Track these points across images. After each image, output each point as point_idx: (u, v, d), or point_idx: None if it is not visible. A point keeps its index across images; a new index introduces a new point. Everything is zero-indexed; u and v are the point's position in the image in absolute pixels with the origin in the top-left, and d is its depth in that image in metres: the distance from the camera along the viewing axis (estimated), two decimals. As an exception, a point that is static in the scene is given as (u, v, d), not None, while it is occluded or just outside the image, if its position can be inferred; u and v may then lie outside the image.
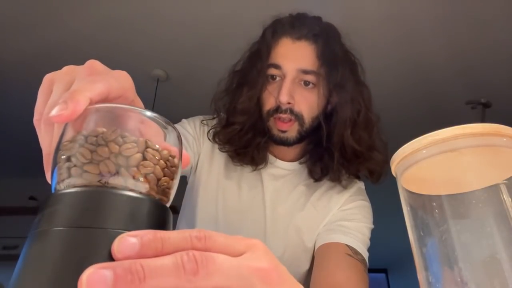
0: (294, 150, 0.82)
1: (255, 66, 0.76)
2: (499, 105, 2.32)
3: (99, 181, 0.22)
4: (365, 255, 0.74)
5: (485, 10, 2.05)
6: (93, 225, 0.20)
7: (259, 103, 0.77)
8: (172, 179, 0.25)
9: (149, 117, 0.25)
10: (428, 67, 2.48)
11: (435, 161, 0.36)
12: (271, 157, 0.84)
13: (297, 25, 0.75)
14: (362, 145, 0.75)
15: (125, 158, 0.22)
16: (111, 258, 0.19)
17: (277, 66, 0.73)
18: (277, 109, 0.73)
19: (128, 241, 0.19)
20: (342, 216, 0.77)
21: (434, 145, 0.35)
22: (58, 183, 0.24)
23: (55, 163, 0.24)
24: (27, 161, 3.61)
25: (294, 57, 0.72)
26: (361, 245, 0.73)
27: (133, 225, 0.21)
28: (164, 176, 0.24)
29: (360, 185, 0.85)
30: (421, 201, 0.39)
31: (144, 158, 0.23)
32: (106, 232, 0.20)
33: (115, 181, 0.22)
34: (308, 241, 0.77)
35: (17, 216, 3.49)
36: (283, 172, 0.83)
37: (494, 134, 0.35)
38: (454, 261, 0.35)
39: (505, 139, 0.35)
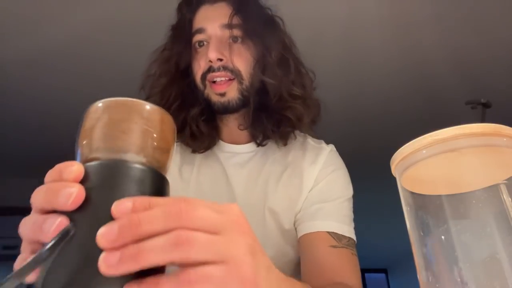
0: (245, 131, 0.79)
1: (178, 38, 0.77)
2: (499, 105, 2.33)
3: (116, 156, 0.28)
4: (350, 231, 0.70)
5: (486, 10, 2.05)
6: (112, 188, 0.27)
7: (188, 73, 0.76)
8: (168, 155, 0.32)
9: (150, 107, 0.31)
10: (428, 67, 2.48)
11: (435, 161, 0.36)
12: (228, 145, 0.80)
13: None
14: (283, 88, 0.73)
15: (136, 140, 0.29)
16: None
17: (201, 30, 0.73)
18: (210, 70, 0.71)
19: (124, 204, 0.25)
20: (320, 197, 0.72)
21: (434, 145, 0.35)
22: (81, 161, 0.29)
23: (77, 147, 0.30)
24: (27, 161, 3.61)
25: (215, 16, 0.73)
26: (344, 225, 0.70)
27: (141, 188, 0.28)
28: (164, 153, 0.31)
29: (328, 149, 0.79)
30: (421, 201, 0.39)
31: (151, 140, 0.30)
32: (120, 193, 0.26)
33: (128, 157, 0.28)
34: (286, 223, 0.72)
35: (17, 216, 3.49)
36: (246, 157, 0.78)
37: (494, 134, 0.35)
38: (454, 261, 0.35)
39: (505, 139, 0.35)
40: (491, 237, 0.34)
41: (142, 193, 0.28)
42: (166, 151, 0.32)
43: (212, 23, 0.72)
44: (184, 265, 0.25)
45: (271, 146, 0.80)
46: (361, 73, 2.53)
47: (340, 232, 0.68)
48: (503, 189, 0.35)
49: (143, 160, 0.29)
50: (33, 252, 0.27)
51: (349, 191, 0.76)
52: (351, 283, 0.62)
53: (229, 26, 0.71)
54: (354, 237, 0.70)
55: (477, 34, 2.22)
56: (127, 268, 0.24)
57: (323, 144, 0.81)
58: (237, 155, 0.79)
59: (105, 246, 0.24)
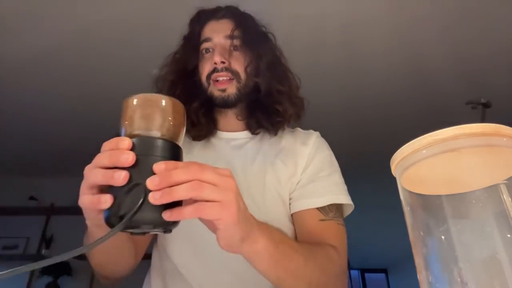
0: (242, 122, 0.92)
1: (188, 46, 0.94)
2: (499, 105, 2.33)
3: (146, 133, 0.44)
4: (341, 198, 0.80)
5: (486, 10, 2.05)
6: (149, 154, 0.43)
7: (195, 73, 0.91)
8: (180, 132, 0.48)
9: (165, 99, 0.47)
10: (428, 67, 2.48)
11: (435, 161, 0.36)
12: (225, 133, 0.92)
13: (218, 10, 0.94)
14: (271, 86, 0.88)
15: (157, 121, 0.45)
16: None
17: (208, 39, 0.90)
18: (214, 71, 0.86)
19: (160, 165, 0.42)
20: (312, 177, 0.83)
21: (434, 145, 0.35)
22: (125, 135, 0.45)
23: (121, 126, 0.46)
24: (27, 161, 3.61)
25: (220, 29, 0.89)
26: (333, 195, 0.80)
27: (165, 153, 0.44)
28: (177, 129, 0.47)
29: (316, 134, 0.93)
30: (421, 201, 0.39)
31: (167, 121, 0.46)
32: (154, 157, 0.43)
33: (153, 133, 0.45)
34: (284, 198, 0.82)
35: (17, 216, 3.49)
36: (242, 141, 0.91)
37: (494, 134, 0.35)
38: (454, 261, 0.35)
39: (505, 139, 0.35)
40: (491, 237, 0.34)
41: (164, 156, 0.44)
42: (178, 128, 0.47)
43: (218, 34, 0.89)
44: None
45: (264, 135, 0.91)
46: (361, 76, 2.53)
47: (329, 203, 0.78)
48: (503, 189, 0.35)
49: (163, 134, 0.45)
50: (92, 193, 0.43)
51: (336, 165, 0.88)
52: (336, 245, 0.73)
53: (231, 37, 0.88)
54: (347, 200, 0.81)
55: (477, 34, 2.22)
56: (165, 199, 0.41)
57: (311, 131, 0.95)
58: (233, 140, 0.91)
59: (152, 188, 0.41)
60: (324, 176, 0.83)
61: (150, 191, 0.41)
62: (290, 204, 0.82)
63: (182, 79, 0.91)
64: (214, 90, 0.86)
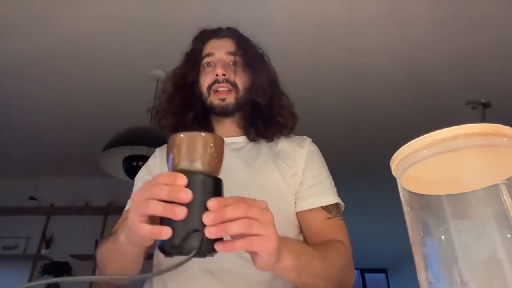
0: (239, 129, 0.99)
1: (189, 60, 1.02)
2: (499, 105, 2.33)
3: (191, 168, 0.51)
4: (336, 197, 0.89)
5: (486, 10, 2.05)
6: (200, 190, 0.48)
7: (194, 87, 0.99)
8: (221, 162, 0.54)
9: (205, 135, 0.53)
10: (429, 67, 2.48)
11: (435, 161, 0.36)
12: (224, 138, 0.96)
13: (219, 30, 1.04)
14: (274, 100, 0.98)
15: (200, 155, 0.51)
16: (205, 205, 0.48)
17: (210, 54, 0.98)
18: (215, 82, 0.94)
19: (213, 202, 0.47)
20: (312, 180, 0.91)
21: (434, 145, 0.35)
22: (173, 168, 0.52)
23: (168, 159, 0.53)
24: (27, 161, 3.61)
25: (222, 46, 0.99)
26: (332, 195, 0.88)
27: (213, 189, 0.50)
28: (218, 161, 0.53)
29: (310, 140, 1.01)
30: (421, 201, 0.39)
31: (208, 154, 0.52)
32: (205, 194, 0.48)
33: (197, 166, 0.51)
34: (289, 189, 0.89)
35: (17, 216, 3.50)
36: (241, 145, 0.97)
37: (494, 134, 0.35)
38: (454, 261, 0.35)
39: (505, 139, 0.35)
40: (491, 237, 0.34)
41: (211, 192, 0.49)
42: (220, 162, 0.54)
43: (220, 50, 0.98)
44: (245, 236, 0.50)
45: (260, 141, 0.99)
46: (363, 82, 2.54)
47: (331, 202, 0.87)
48: (503, 189, 0.35)
49: (206, 168, 0.51)
50: (142, 221, 0.48)
51: (327, 169, 0.98)
52: (341, 240, 0.82)
53: (233, 53, 0.97)
54: (339, 200, 0.89)
55: (477, 34, 2.22)
56: (220, 234, 0.47)
57: (305, 136, 1.03)
58: (232, 144, 0.96)
59: (208, 223, 0.46)
60: (324, 178, 0.92)
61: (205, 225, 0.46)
62: (296, 203, 0.89)
63: (181, 92, 0.99)
64: (214, 100, 0.95)
